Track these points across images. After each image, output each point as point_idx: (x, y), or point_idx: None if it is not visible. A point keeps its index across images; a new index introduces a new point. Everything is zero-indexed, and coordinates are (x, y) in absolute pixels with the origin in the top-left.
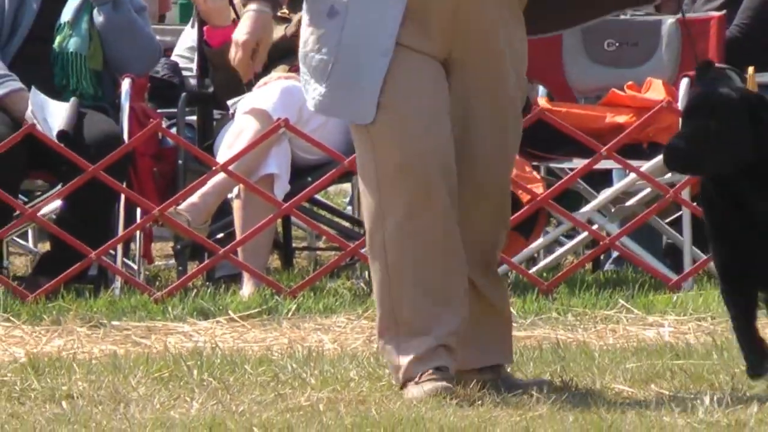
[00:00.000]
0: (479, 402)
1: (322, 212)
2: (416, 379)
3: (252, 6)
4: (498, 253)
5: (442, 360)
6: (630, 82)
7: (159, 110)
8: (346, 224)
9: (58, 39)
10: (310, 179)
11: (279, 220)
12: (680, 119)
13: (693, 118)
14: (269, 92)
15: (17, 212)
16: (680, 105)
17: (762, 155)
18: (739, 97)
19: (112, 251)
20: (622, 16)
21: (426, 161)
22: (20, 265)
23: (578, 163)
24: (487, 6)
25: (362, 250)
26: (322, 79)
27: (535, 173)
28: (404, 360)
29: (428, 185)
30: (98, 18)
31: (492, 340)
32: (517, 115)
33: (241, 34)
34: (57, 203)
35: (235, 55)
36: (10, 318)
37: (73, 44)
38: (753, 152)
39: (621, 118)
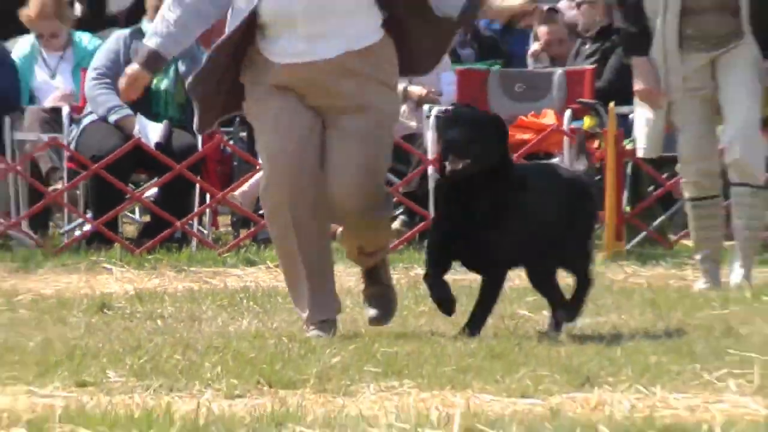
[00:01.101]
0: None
1: None
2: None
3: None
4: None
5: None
6: (532, 112)
7: (221, 128)
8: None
9: (154, 81)
10: None
11: None
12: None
13: (457, 125)
14: None
15: (128, 195)
16: (565, 128)
17: (497, 164)
18: (487, 116)
19: (190, 222)
20: (529, 69)
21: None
22: (130, 231)
23: None
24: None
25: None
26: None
27: None
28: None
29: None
30: (181, 67)
31: None
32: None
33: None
34: (154, 190)
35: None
36: (124, 265)
37: (164, 84)
38: (496, 158)
39: (525, 136)
